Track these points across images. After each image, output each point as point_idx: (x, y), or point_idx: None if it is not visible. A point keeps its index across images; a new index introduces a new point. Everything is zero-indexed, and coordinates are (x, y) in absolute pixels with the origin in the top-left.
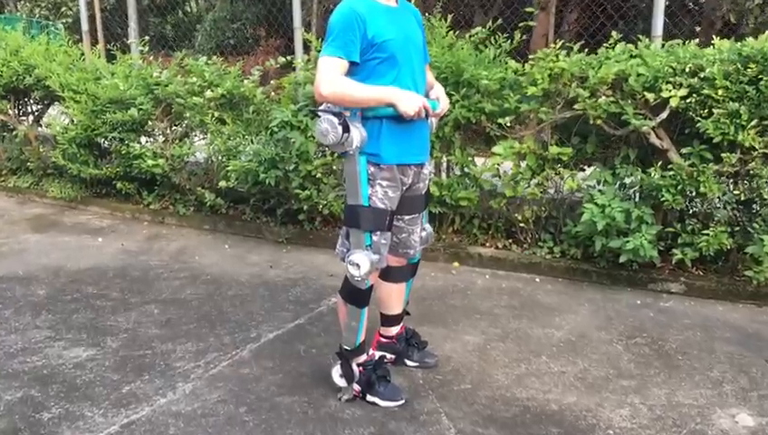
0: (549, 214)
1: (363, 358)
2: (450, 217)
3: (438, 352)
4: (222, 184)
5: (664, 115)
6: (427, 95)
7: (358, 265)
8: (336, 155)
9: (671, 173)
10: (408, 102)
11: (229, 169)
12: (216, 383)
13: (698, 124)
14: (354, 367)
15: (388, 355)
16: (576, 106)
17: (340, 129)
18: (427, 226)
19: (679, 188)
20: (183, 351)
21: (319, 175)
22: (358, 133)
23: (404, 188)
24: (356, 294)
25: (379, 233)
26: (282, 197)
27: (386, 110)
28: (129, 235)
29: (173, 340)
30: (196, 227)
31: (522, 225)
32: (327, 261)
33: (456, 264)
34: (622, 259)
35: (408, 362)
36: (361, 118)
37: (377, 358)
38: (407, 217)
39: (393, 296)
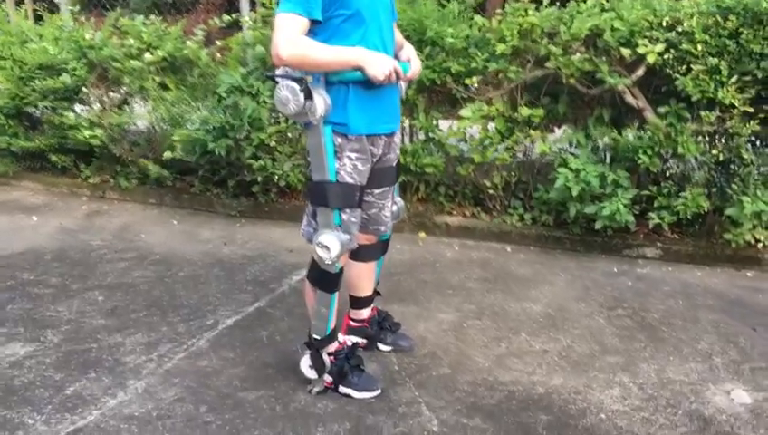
0: (518, 179)
1: (335, 346)
2: (414, 185)
3: (412, 333)
4: (167, 155)
5: (640, 72)
6: (396, 57)
7: (327, 247)
8: (291, 123)
9: (648, 134)
10: (378, 65)
11: (174, 138)
12: (172, 379)
13: (676, 82)
14: (325, 357)
15: (360, 340)
16: (548, 64)
17: (301, 96)
18: (398, 199)
19: (656, 149)
20: (133, 343)
21: (273, 143)
22: (322, 101)
23: (374, 159)
24: (326, 279)
25: (348, 210)
26: (233, 167)
27: (353, 74)
28: (67, 212)
29: (121, 331)
30: (141, 201)
31: (490, 191)
32: (285, 235)
33: (422, 234)
34: (598, 226)
35: (381, 347)
36: (325, 83)
37: (349, 345)
38: (377, 192)
39: (363, 277)
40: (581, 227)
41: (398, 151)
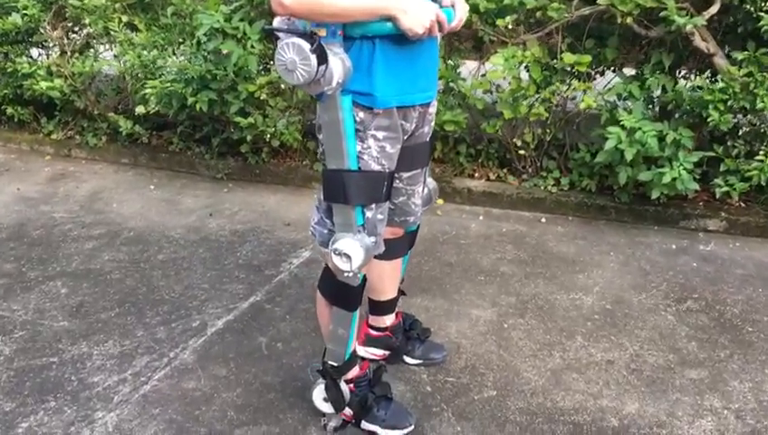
0: (554, 136)
1: (355, 372)
2: None
3: (443, 337)
4: (139, 110)
5: (713, 10)
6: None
7: (348, 255)
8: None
9: (721, 85)
10: (416, 14)
11: (147, 90)
12: (151, 410)
13: (761, 22)
14: (343, 386)
15: (380, 352)
16: (599, 0)
17: (312, 58)
18: (430, 181)
19: (729, 103)
20: (102, 355)
21: (264, 97)
22: (339, 64)
23: (405, 137)
24: (345, 294)
25: (374, 206)
26: (218, 123)
27: (381, 26)
28: (26, 175)
29: (88, 337)
30: (112, 160)
31: (521, 151)
32: (280, 203)
33: (439, 201)
34: (654, 194)
35: (409, 360)
36: (343, 39)
37: (374, 369)
38: (406, 175)
39: (386, 277)
40: (630, 194)
41: (432, 123)
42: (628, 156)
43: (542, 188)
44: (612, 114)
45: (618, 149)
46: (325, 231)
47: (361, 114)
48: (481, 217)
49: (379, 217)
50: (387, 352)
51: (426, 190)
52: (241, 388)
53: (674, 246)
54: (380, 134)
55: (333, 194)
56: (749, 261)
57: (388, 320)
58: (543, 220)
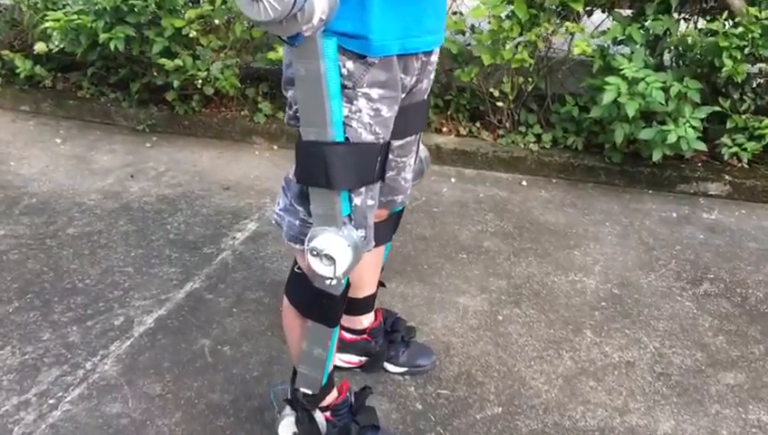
0: (535, 86)
1: (332, 398)
2: None
3: (427, 335)
4: (39, 48)
5: None
6: None
7: (331, 258)
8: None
9: (740, 30)
10: None
11: (48, 24)
12: None
13: None
14: (319, 417)
15: (357, 359)
16: None
17: None
18: (423, 149)
19: (747, 50)
20: None
21: (193, 34)
22: None
23: (402, 95)
24: (324, 305)
25: (364, 190)
26: (137, 65)
27: None
28: None
29: None
30: (9, 108)
31: (499, 103)
32: (215, 161)
33: None
34: (655, 156)
35: (392, 368)
36: None
37: (355, 394)
38: (397, 144)
39: (366, 270)
40: (622, 154)
41: (432, 76)
42: (630, 111)
43: (522, 145)
44: (606, 62)
45: (616, 104)
46: (296, 222)
47: (350, 65)
48: (453, 180)
49: (370, 202)
50: (364, 359)
51: (417, 161)
52: (181, 411)
53: (674, 214)
54: (375, 92)
55: (310, 175)
56: (760, 232)
57: (366, 320)
58: (524, 183)
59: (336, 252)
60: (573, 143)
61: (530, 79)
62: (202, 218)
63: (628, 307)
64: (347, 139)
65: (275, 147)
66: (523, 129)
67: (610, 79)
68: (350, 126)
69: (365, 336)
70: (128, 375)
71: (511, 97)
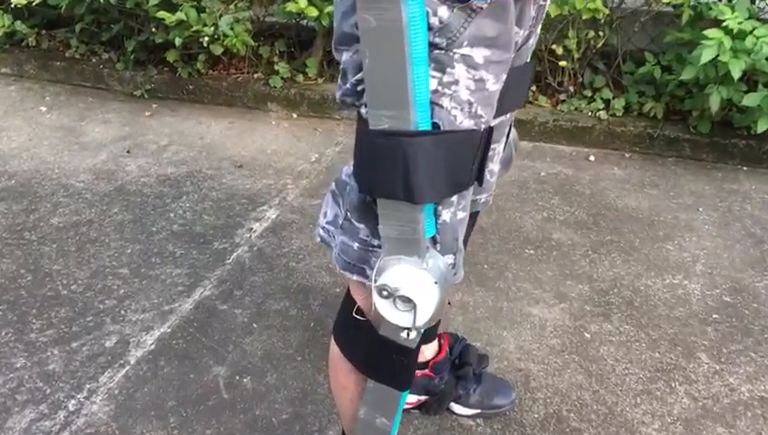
0: (605, 42)
1: None
2: None
3: (498, 359)
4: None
5: None
6: None
7: (410, 301)
8: None
9: None
10: None
11: None
12: None
13: None
14: None
15: (413, 399)
16: None
17: None
18: (512, 131)
19: None
20: None
21: None
22: None
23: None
24: (394, 361)
25: (455, 200)
26: (133, 20)
27: None
28: None
29: None
30: None
31: (561, 62)
32: (225, 133)
33: None
34: (762, 127)
35: (461, 411)
36: None
37: None
38: (492, 124)
39: None
40: (712, 123)
41: (539, 28)
42: (735, 71)
43: (588, 113)
44: (698, 12)
45: (714, 63)
46: (355, 245)
47: (444, 12)
48: None
49: (461, 215)
50: (424, 398)
51: (506, 146)
52: None
53: None
54: (479, 54)
55: (382, 180)
56: None
57: (429, 351)
58: (592, 158)
59: (417, 292)
60: (651, 110)
61: (600, 33)
62: (212, 204)
63: (747, 321)
64: (435, 125)
65: (295, 115)
66: (588, 93)
67: (710, 32)
68: (441, 106)
69: (427, 371)
70: (122, 419)
71: (576, 55)
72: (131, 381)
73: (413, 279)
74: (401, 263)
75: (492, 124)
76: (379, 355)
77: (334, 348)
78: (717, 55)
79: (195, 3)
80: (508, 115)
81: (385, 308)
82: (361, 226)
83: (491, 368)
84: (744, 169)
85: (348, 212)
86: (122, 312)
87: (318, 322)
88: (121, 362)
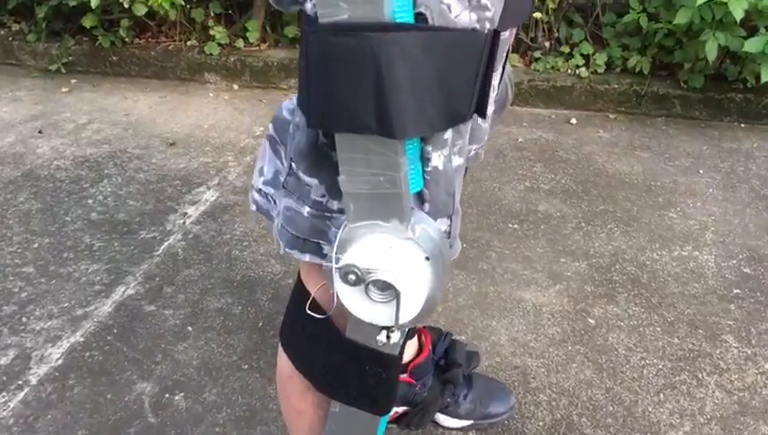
0: None
1: None
2: None
3: (490, 356)
4: None
5: None
6: None
7: (392, 288)
8: None
9: None
10: None
11: None
12: None
13: None
14: None
15: (395, 410)
16: None
17: None
18: (508, 67)
19: None
20: None
21: None
22: None
23: None
24: (369, 377)
25: (450, 135)
26: None
27: None
28: None
29: None
30: None
31: (536, 14)
32: (155, 108)
33: None
34: (765, 76)
35: (449, 422)
36: None
37: None
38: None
39: None
40: (705, 76)
41: None
42: (736, 12)
43: (566, 71)
44: None
45: (708, 5)
46: (305, 211)
47: None
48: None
49: (457, 161)
50: (403, 410)
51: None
52: None
53: None
54: None
55: (341, 103)
56: None
57: (407, 351)
58: (573, 121)
59: (400, 274)
60: (637, 65)
61: None
62: (139, 187)
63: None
64: (421, 17)
65: (236, 86)
66: (566, 49)
67: None
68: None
69: (406, 377)
70: None
71: (552, 5)
72: (31, 407)
73: (393, 255)
74: (374, 232)
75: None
76: (347, 368)
77: (284, 359)
78: None
79: None
80: (509, 33)
81: (353, 300)
82: (313, 181)
83: (481, 367)
84: (743, 125)
85: (293, 163)
86: (23, 320)
87: (268, 320)
88: (19, 382)
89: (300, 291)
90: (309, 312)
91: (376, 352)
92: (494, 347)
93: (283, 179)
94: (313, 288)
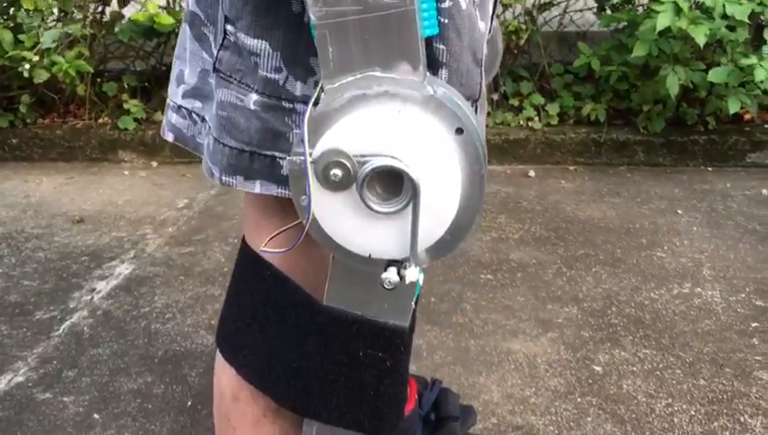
0: (528, 39)
1: None
2: None
3: (485, 417)
4: None
5: None
6: None
7: (409, 180)
8: None
9: None
10: None
11: None
12: None
13: None
14: None
15: None
16: None
17: None
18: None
19: None
20: None
21: None
22: None
23: None
24: (360, 360)
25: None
26: None
27: None
28: None
29: None
30: None
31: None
32: (61, 189)
33: None
34: (732, 107)
35: None
36: None
37: None
38: None
39: None
40: (664, 120)
41: None
42: (699, 38)
43: (519, 123)
44: None
45: (665, 36)
46: (251, 101)
47: None
48: None
49: (480, 23)
50: None
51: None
52: None
53: (765, 191)
54: None
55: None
56: None
57: None
58: (532, 174)
59: (417, 157)
60: (592, 112)
61: (523, 27)
62: (36, 266)
63: None
64: None
65: (155, 163)
66: (515, 102)
67: (660, 6)
68: None
69: None
70: None
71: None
72: None
73: (403, 124)
74: (370, 90)
75: None
76: (328, 360)
77: (225, 376)
78: (676, 22)
79: (7, 17)
80: None
81: (339, 218)
82: (262, 44)
83: (474, 429)
84: (710, 169)
85: (228, 23)
86: None
87: (199, 399)
88: None
89: (246, 257)
90: (264, 249)
91: (374, 325)
92: (486, 406)
93: (213, 62)
94: (269, 229)
